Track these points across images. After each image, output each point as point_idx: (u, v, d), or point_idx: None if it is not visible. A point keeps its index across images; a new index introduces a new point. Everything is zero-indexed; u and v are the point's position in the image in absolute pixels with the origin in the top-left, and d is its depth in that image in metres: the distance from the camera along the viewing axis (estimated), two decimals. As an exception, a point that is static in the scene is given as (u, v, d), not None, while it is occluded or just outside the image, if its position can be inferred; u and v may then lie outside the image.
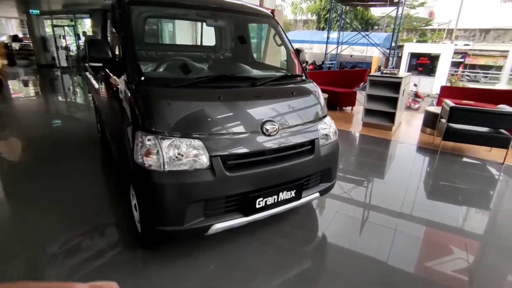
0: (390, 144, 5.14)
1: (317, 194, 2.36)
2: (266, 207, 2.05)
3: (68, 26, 15.05)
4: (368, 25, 21.09)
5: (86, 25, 17.35)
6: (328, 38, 9.81)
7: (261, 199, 1.99)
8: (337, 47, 9.98)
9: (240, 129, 1.93)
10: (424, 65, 15.73)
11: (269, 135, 1.99)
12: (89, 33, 14.49)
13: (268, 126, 1.99)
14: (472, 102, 6.03)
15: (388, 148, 4.98)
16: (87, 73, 4.57)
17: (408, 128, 6.24)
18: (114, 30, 2.18)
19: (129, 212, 2.32)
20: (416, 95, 8.82)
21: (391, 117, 5.63)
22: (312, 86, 2.50)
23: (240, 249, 2.28)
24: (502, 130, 4.20)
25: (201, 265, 2.09)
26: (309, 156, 2.19)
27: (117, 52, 2.13)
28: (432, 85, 14.19)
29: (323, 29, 22.69)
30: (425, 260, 2.33)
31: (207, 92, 1.99)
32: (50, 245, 2.25)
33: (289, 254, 2.28)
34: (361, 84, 7.50)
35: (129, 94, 1.96)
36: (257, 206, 2.00)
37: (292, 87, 2.37)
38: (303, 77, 2.60)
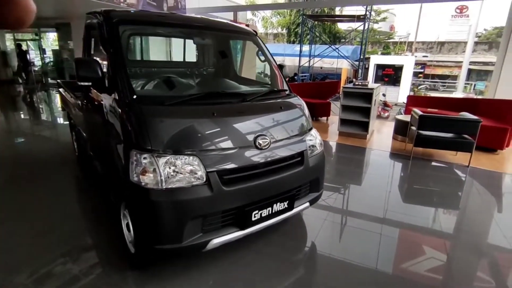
0: (366, 151, 5.40)
1: (307, 204, 2.45)
2: (261, 219, 2.09)
3: (32, 40, 14.38)
4: (336, 38, 22.15)
5: (50, 39, 16.68)
6: (300, 51, 10.19)
7: (257, 211, 2.04)
8: (309, 60, 10.38)
9: (235, 144, 1.98)
10: (389, 75, 16.70)
11: (261, 149, 2.06)
12: (54, 47, 13.96)
13: (260, 140, 2.06)
14: (436, 110, 6.49)
15: (364, 156, 5.23)
16: (61, 90, 4.42)
17: (380, 136, 6.58)
18: (102, 48, 2.16)
19: (118, 232, 2.27)
20: (385, 104, 9.35)
21: (365, 126, 5.92)
22: (297, 100, 2.62)
23: (236, 262, 2.29)
24: (466, 136, 4.57)
25: (199, 283, 2.08)
26: (299, 168, 2.28)
27: (105, 70, 2.11)
28: (397, 94, 15.06)
29: (293, 42, 23.49)
30: (405, 260, 2.47)
31: (200, 109, 2.02)
32: (24, 272, 2.13)
33: (283, 262, 2.33)
34: (334, 95, 7.84)
35: (121, 112, 1.95)
36: (253, 219, 2.04)
37: (280, 101, 2.46)
38: (288, 92, 2.72)
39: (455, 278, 2.30)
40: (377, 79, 16.52)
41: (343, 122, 6.11)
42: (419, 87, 19.46)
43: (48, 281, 2.06)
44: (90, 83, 2.04)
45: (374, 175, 4.35)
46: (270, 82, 2.99)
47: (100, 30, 2.21)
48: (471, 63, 20.10)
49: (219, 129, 1.97)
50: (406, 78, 15.81)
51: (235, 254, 2.36)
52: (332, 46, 10.31)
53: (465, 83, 18.68)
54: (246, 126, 2.08)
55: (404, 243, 2.74)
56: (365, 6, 8.88)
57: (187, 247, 1.84)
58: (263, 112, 2.24)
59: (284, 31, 26.46)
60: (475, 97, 10.26)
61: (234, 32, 2.91)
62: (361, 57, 9.83)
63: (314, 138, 2.51)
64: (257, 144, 2.04)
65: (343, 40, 20.29)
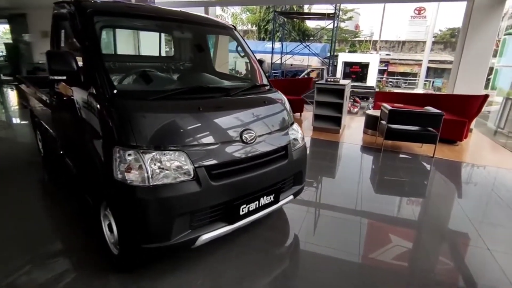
0: (339, 145, 5.59)
1: (292, 197, 2.49)
2: (249, 213, 2.10)
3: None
4: (304, 36, 22.55)
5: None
6: (273, 48, 10.28)
7: (244, 205, 2.04)
8: (281, 57, 10.50)
9: (221, 138, 1.96)
10: (356, 72, 17.37)
11: (247, 143, 2.06)
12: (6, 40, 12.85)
13: (246, 135, 2.06)
14: (402, 105, 6.86)
15: (338, 150, 5.41)
16: (22, 86, 4.11)
17: (352, 130, 6.83)
18: (76, 40, 2.03)
19: (97, 234, 2.17)
20: (355, 100, 9.71)
21: (337, 121, 6.12)
22: (278, 95, 2.64)
23: (224, 257, 2.29)
24: (430, 128, 4.88)
25: (188, 282, 2.04)
26: (283, 161, 2.31)
27: (80, 64, 1.99)
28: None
29: (263, 39, 23.59)
30: (377, 246, 2.60)
31: (186, 103, 1.98)
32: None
33: (268, 255, 2.37)
34: (307, 91, 8.00)
35: (100, 108, 1.85)
36: (241, 213, 2.04)
37: (263, 96, 2.48)
38: (269, 87, 2.74)
39: (422, 259, 2.47)
40: (345, 76, 17.12)
41: (317, 117, 6.27)
42: (383, 84, 20.43)
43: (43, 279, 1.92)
44: (63, 77, 1.90)
45: (349, 168, 4.52)
46: (250, 77, 2.98)
47: (73, 21, 2.08)
48: (430, 61, 21.47)
49: (205, 123, 1.94)
50: (372, 75, 16.52)
51: (222, 249, 2.35)
52: (304, 44, 10.50)
53: (425, 80, 19.92)
54: (232, 120, 2.07)
55: (379, 231, 2.89)
56: (334, 5, 9.14)
57: (175, 244, 1.79)
58: (247, 107, 2.24)
59: (254, 28, 26.49)
60: (436, 93, 10.95)
61: (213, 26, 2.87)
62: (331, 54, 10.13)
63: (296, 132, 2.55)
64: (243, 138, 2.04)
65: (312, 38, 20.75)
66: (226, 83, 2.63)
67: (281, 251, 2.49)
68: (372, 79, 16.77)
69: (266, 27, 23.94)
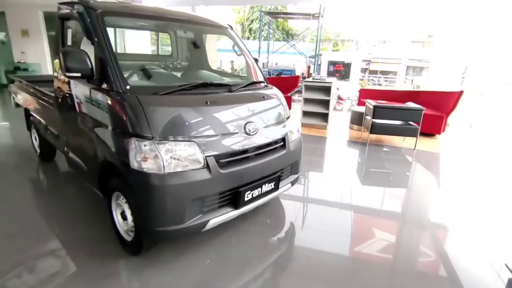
0: (328, 140, 5.85)
1: (289, 185, 2.69)
2: (253, 199, 2.28)
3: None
4: (288, 35, 22.88)
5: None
6: (260, 47, 10.47)
7: (249, 192, 2.22)
8: (268, 56, 10.72)
9: (227, 130, 2.13)
10: (340, 71, 17.79)
11: (250, 135, 2.24)
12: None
13: (250, 127, 2.24)
14: (384, 102, 7.22)
15: (327, 145, 5.67)
16: (15, 86, 4.11)
17: (338, 126, 7.12)
18: (88, 39, 2.13)
19: (107, 224, 2.30)
20: (339, 97, 10.05)
21: (325, 117, 6.39)
22: (275, 90, 2.83)
23: (229, 242, 2.47)
24: (411, 123, 5.22)
25: (197, 263, 2.21)
26: (282, 151, 2.50)
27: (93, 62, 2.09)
28: (348, 88, 16.14)
29: (248, 38, 23.75)
30: (364, 235, 2.86)
31: (194, 98, 2.13)
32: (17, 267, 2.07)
33: (270, 239, 2.59)
34: (295, 89, 8.25)
35: (114, 103, 1.98)
36: (246, 199, 2.21)
37: (261, 92, 2.65)
38: (265, 83, 2.92)
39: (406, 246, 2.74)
40: (329, 74, 17.49)
41: (305, 114, 6.51)
42: (367, 82, 21.02)
43: (43, 276, 2.03)
44: (78, 75, 2.01)
45: (338, 161, 4.78)
46: (246, 74, 3.16)
47: (84, 22, 2.18)
48: (408, 60, 22.30)
49: (212, 116, 2.10)
50: (355, 73, 16.98)
51: (225, 235, 2.53)
52: (290, 43, 10.77)
53: (405, 78, 20.68)
54: (236, 114, 2.24)
55: (368, 219, 3.14)
56: (318, 5, 9.45)
57: (188, 227, 1.95)
58: (248, 101, 2.41)
59: (238, 27, 26.61)
60: (416, 90, 11.41)
61: (211, 26, 3.01)
62: (317, 53, 10.43)
63: (293, 124, 2.75)
64: (246, 130, 2.21)
65: (296, 37, 21.10)
66: (226, 79, 2.79)
67: (280, 235, 2.69)
68: (355, 77, 17.24)
69: (250, 26, 24.13)
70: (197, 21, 2.88)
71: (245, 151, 2.20)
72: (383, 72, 28.37)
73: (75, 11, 2.32)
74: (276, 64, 19.18)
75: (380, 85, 26.80)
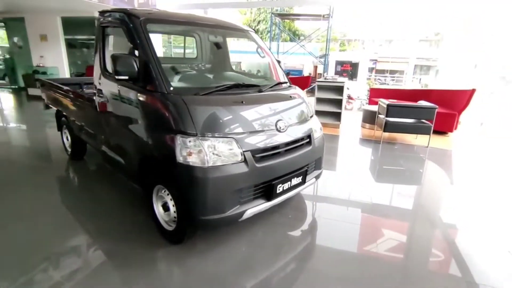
0: (340, 139, 6.00)
1: (314, 179, 2.86)
2: (283, 192, 2.45)
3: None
4: (294, 36, 23.02)
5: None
6: (270, 48, 10.68)
7: (280, 185, 2.39)
8: (278, 57, 10.89)
9: (261, 127, 2.30)
10: (347, 71, 17.93)
11: (281, 132, 2.41)
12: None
13: (280, 124, 2.41)
14: (395, 101, 7.34)
15: (340, 143, 5.81)
16: (46, 88, 4.33)
17: (350, 125, 7.25)
18: (132, 45, 2.33)
19: (147, 216, 2.49)
20: (349, 97, 10.18)
21: (337, 116, 6.54)
22: (299, 90, 3.00)
23: (259, 232, 2.65)
24: (424, 121, 5.34)
25: (233, 251, 2.39)
26: (308, 147, 2.67)
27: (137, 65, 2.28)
28: (356, 88, 16.24)
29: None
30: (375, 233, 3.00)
31: (230, 98, 2.31)
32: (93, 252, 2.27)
33: (297, 229, 2.78)
34: (306, 88, 8.40)
35: (159, 103, 2.16)
36: (278, 191, 2.38)
37: (287, 91, 2.82)
38: (288, 84, 3.09)
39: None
40: (337, 74, 17.63)
41: (317, 113, 6.65)
42: (374, 81, 21.08)
43: (104, 259, 2.23)
44: (127, 77, 2.20)
45: (353, 159, 4.92)
46: (269, 76, 3.33)
47: (127, 29, 2.38)
48: (416, 59, 22.28)
49: (248, 114, 2.28)
50: (363, 73, 17.10)
51: (256, 226, 2.70)
52: (300, 43, 10.94)
53: (413, 77, 20.69)
54: (267, 112, 2.42)
55: (385, 217, 3.29)
56: (326, 6, 9.60)
57: (228, 217, 2.13)
58: (277, 100, 2.58)
59: (245, 28, 26.76)
60: (427, 88, 11.46)
61: (237, 29, 3.20)
62: (326, 53, 10.59)
63: (316, 122, 2.92)
64: (277, 127, 2.39)
65: (305, 38, 21.26)
66: (254, 80, 2.97)
67: (302, 227, 2.85)
68: (362, 77, 17.35)
69: (257, 27, 24.32)
70: (225, 26, 3.07)
71: (276, 147, 2.37)
72: (390, 71, 28.37)
73: (117, 19, 2.52)
74: (284, 64, 19.40)
75: (387, 84, 26.84)
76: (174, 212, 2.28)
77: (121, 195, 3.23)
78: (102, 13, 2.77)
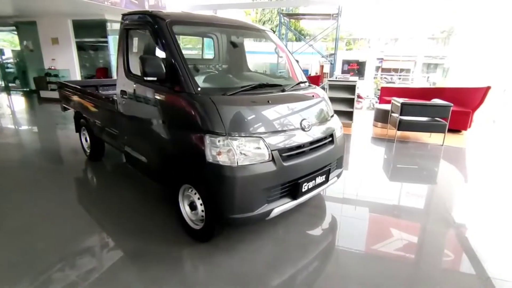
0: (353, 138, 5.98)
1: (336, 178, 2.86)
2: (308, 190, 2.46)
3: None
4: (301, 35, 23.01)
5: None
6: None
7: (305, 184, 2.40)
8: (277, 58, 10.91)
9: (287, 126, 2.32)
10: (354, 70, 17.86)
11: (306, 131, 2.42)
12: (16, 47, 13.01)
13: (305, 123, 2.42)
14: (407, 99, 7.29)
15: (353, 142, 5.80)
16: (66, 90, 4.40)
17: (361, 124, 7.23)
18: (159, 47, 2.36)
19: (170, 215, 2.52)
20: (358, 96, 10.14)
21: (349, 115, 6.52)
22: (319, 90, 3.01)
23: (283, 229, 2.67)
24: (439, 119, 5.31)
25: (260, 248, 2.42)
26: (331, 146, 2.68)
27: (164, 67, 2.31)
28: (363, 87, 16.18)
29: (260, 40, 23.93)
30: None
31: (257, 97, 2.33)
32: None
33: (318, 228, 2.81)
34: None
35: (187, 104, 2.19)
36: (303, 190, 2.40)
37: (309, 91, 2.84)
38: (308, 83, 3.10)
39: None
40: (343, 73, 17.58)
41: (329, 112, 6.65)
42: (380, 80, 20.97)
43: (133, 257, 2.27)
44: (155, 78, 2.24)
45: (369, 158, 4.91)
46: (288, 75, 3.34)
47: (153, 30, 2.41)
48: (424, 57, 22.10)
49: (274, 114, 2.30)
50: (370, 72, 17.02)
51: (279, 224, 2.72)
52: (308, 43, 10.95)
53: (422, 76, 20.54)
54: (292, 111, 2.44)
55: (403, 216, 3.29)
56: (336, 6, 9.59)
57: (256, 215, 2.15)
58: (300, 100, 2.60)
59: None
60: (440, 86, 11.30)
61: (256, 30, 3.22)
62: (336, 52, 10.59)
63: (337, 122, 2.93)
64: (302, 126, 2.40)
65: (312, 37, 21.22)
66: (275, 80, 2.99)
67: (327, 226, 2.87)
68: (369, 76, 17.28)
69: (262, 27, 24.32)
70: (246, 26, 3.11)
71: (302, 146, 2.38)
72: (396, 70, 28.18)
73: (141, 21, 2.56)
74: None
75: (394, 83, 26.66)
76: (202, 211, 2.31)
77: (142, 195, 3.27)
78: (125, 15, 2.81)
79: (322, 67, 16.72)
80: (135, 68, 2.73)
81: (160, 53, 2.38)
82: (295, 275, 2.17)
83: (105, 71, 11.10)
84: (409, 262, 2.37)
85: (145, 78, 2.21)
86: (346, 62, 17.75)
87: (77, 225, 2.72)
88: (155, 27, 2.41)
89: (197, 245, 2.41)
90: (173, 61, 2.27)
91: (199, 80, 2.40)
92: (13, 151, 4.86)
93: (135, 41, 2.78)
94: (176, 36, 2.40)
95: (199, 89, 2.22)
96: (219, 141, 2.06)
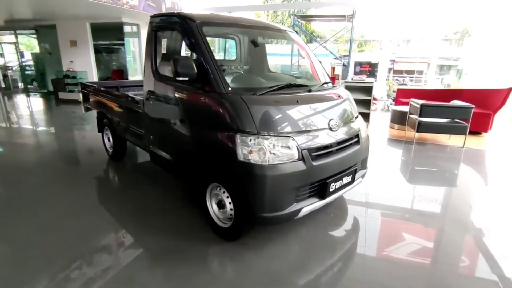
0: (371, 140, 5.92)
1: (361, 179, 2.85)
2: (335, 191, 2.46)
3: (7, 43, 13.67)
4: (311, 38, 22.97)
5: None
6: (292, 50, 10.70)
7: (333, 183, 2.40)
8: (298, 59, 10.91)
9: (316, 126, 2.33)
10: (366, 71, 17.71)
11: (334, 131, 2.43)
12: (35, 50, 13.39)
13: (332, 123, 2.43)
14: (424, 101, 7.20)
15: (370, 144, 5.74)
16: (88, 91, 4.50)
17: (377, 126, 7.17)
18: (189, 48, 2.41)
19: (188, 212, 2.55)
20: (373, 97, 10.06)
21: (366, 117, 6.47)
22: (344, 90, 3.01)
23: (309, 229, 2.69)
24: (459, 120, 5.22)
25: (287, 247, 2.43)
26: (357, 147, 2.67)
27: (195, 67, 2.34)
28: (376, 88, 16.04)
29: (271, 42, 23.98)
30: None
31: (285, 97, 2.35)
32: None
33: (337, 227, 2.83)
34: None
35: (218, 103, 2.22)
36: (330, 190, 2.40)
37: (334, 91, 2.84)
38: (332, 84, 3.11)
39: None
40: (356, 75, 17.46)
41: (345, 114, 6.62)
42: (392, 81, 20.77)
43: (164, 254, 2.31)
44: (186, 78, 2.28)
45: (389, 160, 4.86)
46: (311, 76, 3.35)
47: (183, 31, 2.46)
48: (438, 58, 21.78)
49: (303, 114, 2.31)
50: (382, 73, 16.87)
51: (306, 223, 2.73)
52: (322, 45, 10.93)
53: (437, 78, 20.25)
54: (321, 111, 2.45)
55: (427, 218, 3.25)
56: (351, 7, 9.57)
57: (286, 214, 2.16)
58: (327, 100, 2.61)
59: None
60: (458, 88, 11.10)
61: (281, 31, 3.25)
62: (350, 54, 10.54)
63: (362, 122, 2.92)
64: (330, 126, 2.41)
65: (318, 39, 21.16)
66: (299, 81, 3.01)
67: (345, 226, 2.87)
68: (382, 77, 17.13)
69: (273, 30, 24.35)
70: (270, 27, 3.13)
71: (330, 146, 2.39)
72: (408, 72, 27.84)
73: (171, 23, 2.61)
74: (300, 66, 19.39)
75: (406, 84, 26.34)
76: (231, 209, 2.33)
77: (166, 193, 3.31)
78: (154, 17, 2.87)
79: (333, 69, 16.67)
80: (163, 69, 2.79)
81: (187, 54, 2.42)
82: (321, 274, 2.18)
83: (121, 73, 11.31)
84: (433, 268, 2.34)
85: (177, 78, 2.25)
86: (358, 64, 17.61)
87: (104, 222, 2.78)
88: (185, 28, 2.45)
89: (225, 244, 2.43)
90: (204, 61, 2.31)
91: (228, 80, 2.43)
92: (35, 151, 5.00)
93: (164, 42, 2.83)
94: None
95: (229, 89, 2.25)
96: (250, 140, 2.08)
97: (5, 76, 13.51)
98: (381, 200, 3.41)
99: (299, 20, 10.88)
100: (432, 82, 19.24)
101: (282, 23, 23.12)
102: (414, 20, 28.71)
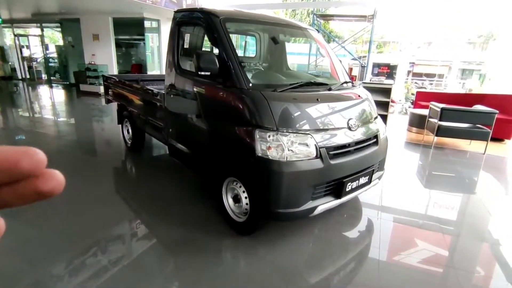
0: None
1: (377, 180, 2.83)
2: (351, 190, 2.45)
3: (33, 36, 14.17)
4: (330, 37, 22.74)
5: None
6: (310, 50, 10.65)
7: (349, 183, 2.39)
8: (316, 59, 10.81)
9: (335, 124, 2.33)
10: (384, 73, 17.41)
11: (352, 130, 2.41)
12: (59, 43, 13.84)
13: (351, 122, 2.42)
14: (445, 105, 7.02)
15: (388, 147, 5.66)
16: (111, 83, 4.63)
17: (394, 129, 7.05)
18: (212, 43, 2.45)
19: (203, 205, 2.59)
20: (391, 100, 9.89)
21: (384, 119, 6.37)
22: (364, 90, 2.99)
23: (323, 228, 2.68)
24: (481, 126, 5.07)
25: (300, 245, 2.45)
26: (375, 147, 2.65)
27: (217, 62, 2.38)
28: (395, 91, 15.73)
29: (288, 41, 23.88)
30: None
31: (305, 95, 2.36)
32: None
33: (351, 227, 2.82)
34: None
35: (238, 99, 2.25)
36: (347, 189, 2.39)
37: (354, 91, 2.82)
38: (352, 83, 3.08)
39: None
40: (374, 76, 17.19)
41: (362, 115, 6.54)
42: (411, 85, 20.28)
43: (181, 245, 2.37)
44: (208, 73, 2.32)
45: (404, 163, 4.78)
46: (331, 75, 3.34)
47: (207, 27, 2.50)
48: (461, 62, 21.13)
49: (323, 112, 2.31)
50: (401, 76, 16.52)
51: (319, 222, 2.73)
52: (341, 45, 10.82)
53: (459, 82, 19.67)
54: (340, 110, 2.44)
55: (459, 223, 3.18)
56: (372, 8, 9.42)
57: (301, 211, 2.17)
58: (347, 99, 2.60)
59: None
60: (480, 93, 10.72)
61: (303, 29, 3.24)
62: (368, 55, 10.39)
63: (381, 123, 2.89)
64: (349, 125, 2.40)
65: (336, 39, 20.92)
66: (319, 79, 3.00)
67: (359, 228, 2.85)
68: (400, 80, 16.78)
69: (291, 28, 24.23)
70: (292, 25, 3.14)
71: (348, 145, 2.38)
72: (428, 75, 27.13)
73: (195, 18, 2.65)
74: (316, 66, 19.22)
75: (425, 88, 25.67)
76: (246, 204, 2.36)
77: (183, 185, 3.38)
78: (178, 12, 2.92)
79: (351, 69, 16.46)
80: (184, 63, 2.84)
81: (209, 49, 2.46)
82: (333, 274, 2.18)
83: (140, 67, 11.54)
84: (447, 275, 2.30)
85: (199, 73, 2.29)
86: (376, 65, 17.34)
87: (122, 211, 2.86)
88: (209, 24, 2.49)
89: (239, 238, 2.47)
90: (226, 57, 2.34)
91: (248, 76, 2.45)
92: (56, 140, 5.18)
93: (186, 37, 2.88)
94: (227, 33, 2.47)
95: (250, 84, 2.27)
96: (269, 136, 2.10)
97: (30, 68, 14.02)
98: (396, 203, 3.37)
99: (318, 19, 10.78)
100: (453, 86, 18.66)
101: (301, 22, 22.96)
102: (437, 21, 27.94)
